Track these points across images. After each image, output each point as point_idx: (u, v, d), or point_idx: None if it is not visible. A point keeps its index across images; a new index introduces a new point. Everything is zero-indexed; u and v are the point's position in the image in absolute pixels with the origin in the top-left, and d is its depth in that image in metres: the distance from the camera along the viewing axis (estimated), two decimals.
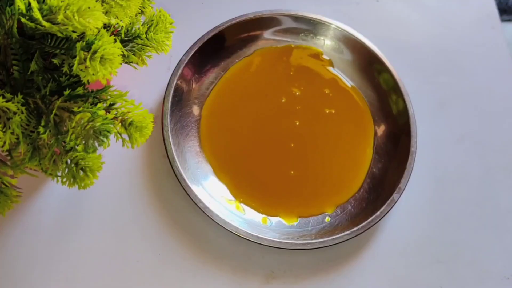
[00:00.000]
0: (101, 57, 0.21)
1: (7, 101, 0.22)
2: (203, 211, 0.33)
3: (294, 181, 0.37)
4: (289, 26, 0.42)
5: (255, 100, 0.39)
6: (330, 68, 0.41)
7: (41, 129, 0.22)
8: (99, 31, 0.22)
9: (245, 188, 0.36)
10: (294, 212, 0.36)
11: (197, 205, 0.33)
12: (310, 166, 0.37)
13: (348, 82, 0.41)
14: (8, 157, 0.23)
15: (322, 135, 0.39)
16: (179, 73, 0.37)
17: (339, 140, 0.39)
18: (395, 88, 0.39)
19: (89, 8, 0.20)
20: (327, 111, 0.39)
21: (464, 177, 0.39)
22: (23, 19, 0.21)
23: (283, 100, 0.39)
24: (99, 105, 0.23)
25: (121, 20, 0.25)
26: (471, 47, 0.45)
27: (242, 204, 0.36)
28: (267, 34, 0.42)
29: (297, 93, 0.39)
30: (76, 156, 0.23)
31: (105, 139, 0.23)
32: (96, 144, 0.23)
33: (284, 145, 0.38)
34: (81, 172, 0.23)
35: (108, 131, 0.22)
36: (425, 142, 0.40)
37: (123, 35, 0.26)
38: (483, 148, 0.40)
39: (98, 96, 0.25)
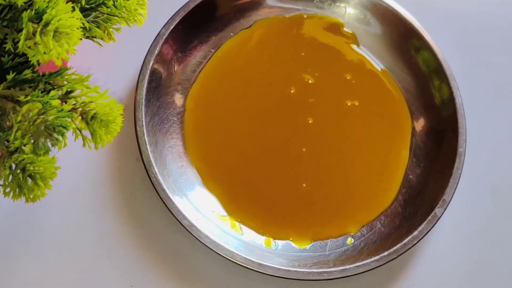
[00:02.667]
0: (55, 31, 0.21)
1: None
2: (189, 231, 0.33)
3: (306, 195, 0.37)
4: None
5: (256, 89, 0.39)
6: (354, 46, 0.41)
7: None
8: None
9: (242, 202, 0.36)
10: (307, 234, 0.36)
11: (180, 222, 0.33)
12: (327, 176, 0.37)
13: (376, 64, 0.41)
14: None
15: (343, 136, 0.39)
16: (157, 52, 0.37)
17: (365, 140, 0.39)
18: (438, 71, 0.39)
19: None
20: (349, 104, 0.39)
21: None
22: None
23: (292, 91, 0.39)
24: (52, 92, 0.23)
25: None
26: None
27: (239, 223, 0.36)
28: (272, 0, 0.42)
29: (310, 81, 0.39)
30: (23, 160, 0.23)
31: (60, 137, 0.22)
32: (49, 144, 0.23)
33: (294, 149, 0.38)
34: (30, 180, 0.23)
35: (64, 127, 0.22)
36: (477, 141, 0.40)
37: (83, 2, 0.26)
38: None
39: (51, 81, 0.25)
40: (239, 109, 0.39)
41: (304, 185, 0.37)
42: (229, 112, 0.39)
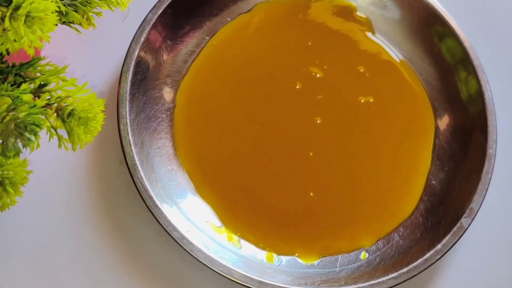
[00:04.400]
0: (27, 15, 0.21)
1: None
2: (179, 244, 0.33)
3: (314, 205, 0.37)
4: None
5: (256, 84, 0.39)
6: (368, 34, 0.41)
7: None
8: None
9: (240, 211, 0.36)
10: (315, 249, 0.36)
11: (170, 234, 0.33)
12: (337, 183, 0.38)
13: (394, 54, 0.41)
14: None
15: (356, 137, 0.39)
16: (143, 39, 0.37)
17: (381, 142, 0.39)
18: (465, 61, 0.39)
19: None
20: (362, 101, 0.39)
21: None
22: None
23: (297, 86, 0.39)
24: (24, 86, 0.23)
25: None
26: None
27: (237, 236, 0.36)
28: None
29: (318, 75, 0.39)
30: None
31: (32, 137, 0.22)
32: (20, 145, 0.23)
33: (299, 153, 0.38)
34: None
35: (37, 125, 0.22)
36: (509, 141, 0.40)
37: None
38: None
39: (22, 73, 0.25)
40: (236, 106, 0.39)
41: (311, 194, 0.37)
42: (225, 109, 0.39)
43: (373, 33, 0.41)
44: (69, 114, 0.24)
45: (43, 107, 0.23)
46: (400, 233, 0.37)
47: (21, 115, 0.22)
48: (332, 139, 0.38)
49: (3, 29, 0.21)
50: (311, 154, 0.38)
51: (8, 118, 0.22)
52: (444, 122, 0.40)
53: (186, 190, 0.37)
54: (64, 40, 0.36)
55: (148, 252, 0.36)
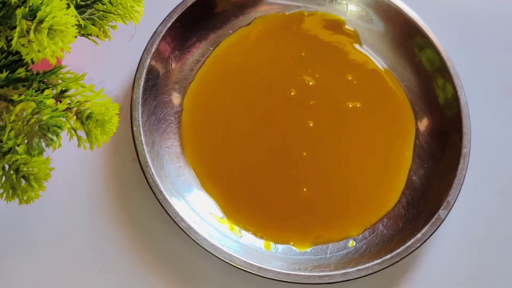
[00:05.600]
0: (50, 28, 0.21)
1: None
2: (186, 233, 0.33)
3: (307, 199, 0.37)
4: None
5: (255, 91, 0.39)
6: (356, 45, 0.41)
7: None
8: None
9: (241, 205, 0.36)
10: (308, 238, 0.36)
11: (177, 224, 0.33)
12: (328, 180, 0.37)
13: (379, 63, 0.41)
14: None
15: (344, 138, 0.39)
16: (154, 49, 0.37)
17: (367, 142, 0.39)
18: (442, 69, 0.39)
19: None
20: (350, 105, 0.39)
21: None
22: None
23: (292, 93, 0.39)
24: (46, 92, 0.23)
25: None
26: None
27: (238, 226, 0.36)
28: None
29: (310, 83, 0.39)
30: (16, 160, 0.23)
31: (54, 138, 0.22)
32: (43, 144, 0.23)
33: (294, 153, 0.38)
34: (23, 182, 0.23)
35: (59, 127, 0.22)
36: (482, 142, 0.40)
37: None
38: None
39: (45, 80, 0.25)
40: (237, 110, 0.39)
41: (304, 189, 0.37)
42: (227, 112, 0.39)
43: (360, 44, 0.41)
44: (88, 117, 0.24)
45: (64, 110, 0.23)
46: (384, 224, 0.37)
47: (45, 117, 0.22)
48: (323, 140, 0.38)
49: (28, 41, 0.21)
50: (304, 154, 0.38)
51: (32, 120, 0.22)
52: (423, 124, 0.40)
53: (192, 185, 0.37)
54: (83, 51, 0.35)
55: (158, 240, 0.36)
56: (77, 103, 0.24)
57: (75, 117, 0.24)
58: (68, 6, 0.22)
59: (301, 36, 0.41)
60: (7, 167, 0.24)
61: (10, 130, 0.22)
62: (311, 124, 0.39)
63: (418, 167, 0.38)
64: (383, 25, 0.42)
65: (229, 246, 0.34)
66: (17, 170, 0.23)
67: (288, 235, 0.36)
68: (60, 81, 0.25)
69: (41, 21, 0.21)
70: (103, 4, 0.27)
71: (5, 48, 0.23)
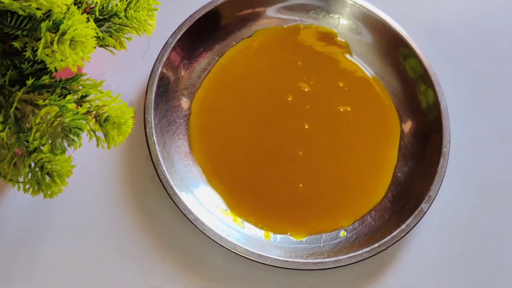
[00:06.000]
0: (71, 40, 0.21)
1: None
2: (194, 224, 0.33)
3: (303, 194, 0.37)
4: (297, 2, 0.42)
5: (257, 97, 0.39)
6: (347, 55, 0.41)
7: None
8: (68, 8, 0.22)
9: (243, 199, 0.36)
10: (304, 229, 0.36)
11: (186, 216, 0.33)
12: (322, 177, 0.37)
13: (367, 71, 0.41)
14: None
15: (336, 139, 0.39)
16: (165, 59, 0.37)
17: (357, 142, 0.39)
18: (424, 77, 0.39)
19: None
20: (341, 110, 0.39)
21: (507, 183, 0.39)
22: None
23: (289, 99, 0.39)
24: (68, 97, 0.23)
25: None
26: None
27: (240, 218, 0.36)
28: (271, 11, 0.42)
29: (306, 90, 0.39)
30: (41, 159, 0.23)
31: (76, 138, 0.22)
32: (65, 144, 0.23)
33: (291, 153, 0.38)
34: (47, 178, 0.23)
35: (80, 128, 0.22)
36: (461, 142, 0.40)
37: (97, 13, 0.26)
38: None
39: (67, 87, 0.25)
40: (240, 113, 0.39)
41: (300, 185, 0.37)
42: (231, 116, 0.39)
43: (351, 54, 0.41)
44: (105, 120, 0.24)
45: (84, 114, 0.23)
46: (372, 216, 0.37)
47: (67, 120, 0.22)
48: (317, 141, 0.38)
49: (52, 51, 0.21)
50: (300, 153, 0.38)
51: (56, 122, 0.22)
52: (407, 126, 0.40)
53: (199, 181, 0.37)
54: (101, 60, 0.35)
55: (168, 230, 0.36)
56: (96, 107, 0.24)
57: (94, 119, 0.24)
58: (88, 20, 0.22)
59: (298, 47, 0.41)
60: (33, 164, 0.24)
61: (36, 132, 0.22)
62: (306, 126, 0.39)
63: (402, 165, 0.38)
64: (371, 37, 0.41)
65: (232, 235, 0.34)
66: (42, 168, 0.23)
67: (285, 226, 0.36)
68: (80, 87, 0.25)
69: (63, 33, 0.21)
70: (120, 18, 0.27)
71: (31, 57, 0.23)
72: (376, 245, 0.34)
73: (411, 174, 0.38)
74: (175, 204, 0.34)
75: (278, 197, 0.37)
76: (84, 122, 0.23)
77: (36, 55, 0.22)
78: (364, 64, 0.41)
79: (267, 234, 0.36)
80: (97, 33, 0.25)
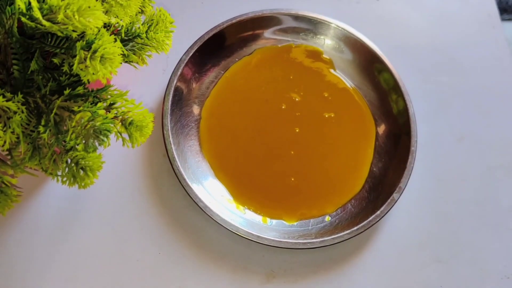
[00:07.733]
0: (101, 57, 0.21)
1: (7, 101, 0.22)
2: (203, 210, 0.33)
3: (294, 187, 0.37)
4: (290, 26, 0.42)
5: (256, 105, 0.39)
6: (331, 70, 0.41)
7: (41, 129, 0.22)
8: (99, 31, 0.22)
9: (245, 190, 0.36)
10: (295, 215, 0.36)
11: (197, 204, 0.33)
12: (310, 172, 0.37)
13: (348, 83, 0.41)
14: (8, 157, 0.23)
15: (322, 141, 0.38)
16: (179, 73, 0.37)
17: (339, 143, 0.39)
18: (395, 88, 0.39)
19: (89, 7, 0.20)
20: (326, 116, 0.39)
21: (464, 176, 0.39)
22: (23, 19, 0.21)
23: (283, 107, 0.39)
24: (99, 104, 0.23)
25: (121, 20, 0.25)
26: (472, 46, 0.44)
27: (242, 206, 0.36)
28: (268, 33, 0.42)
29: (296, 99, 0.39)
30: (76, 156, 0.23)
31: (105, 139, 0.23)
32: (96, 144, 0.23)
33: (284, 152, 0.38)
34: (81, 172, 0.23)
35: (108, 131, 0.22)
36: (426, 142, 0.40)
37: (123, 35, 0.26)
38: (483, 147, 0.40)
39: (98, 96, 0.25)
40: (242, 119, 0.39)
41: (292, 179, 0.37)
42: (234, 121, 0.39)
43: (334, 69, 0.41)
44: (130, 123, 0.24)
45: (112, 118, 0.24)
46: (352, 204, 0.37)
47: (98, 124, 0.22)
48: (306, 142, 0.38)
49: (85, 66, 0.21)
50: (292, 152, 0.38)
51: (88, 126, 0.22)
52: (381, 129, 0.40)
53: (208, 175, 0.37)
54: (126, 73, 0.36)
55: (182, 216, 0.36)
56: (122, 113, 0.24)
57: (120, 123, 0.24)
58: (115, 40, 0.22)
59: (290, 63, 0.41)
60: (69, 161, 0.24)
61: (72, 133, 0.22)
62: (297, 130, 0.39)
63: (377, 161, 0.38)
64: (351, 54, 0.42)
65: (235, 220, 0.34)
66: (77, 163, 0.23)
67: (280, 213, 0.36)
68: (109, 96, 0.25)
69: (95, 51, 0.21)
70: (142, 39, 0.27)
71: (68, 71, 0.23)
72: (355, 228, 0.34)
73: (384, 169, 0.38)
74: (188, 194, 0.34)
75: (274, 188, 0.37)
76: (112, 125, 0.23)
77: (72, 69, 0.22)
78: (345, 77, 0.41)
79: (265, 219, 0.36)
80: (122, 51, 0.25)
